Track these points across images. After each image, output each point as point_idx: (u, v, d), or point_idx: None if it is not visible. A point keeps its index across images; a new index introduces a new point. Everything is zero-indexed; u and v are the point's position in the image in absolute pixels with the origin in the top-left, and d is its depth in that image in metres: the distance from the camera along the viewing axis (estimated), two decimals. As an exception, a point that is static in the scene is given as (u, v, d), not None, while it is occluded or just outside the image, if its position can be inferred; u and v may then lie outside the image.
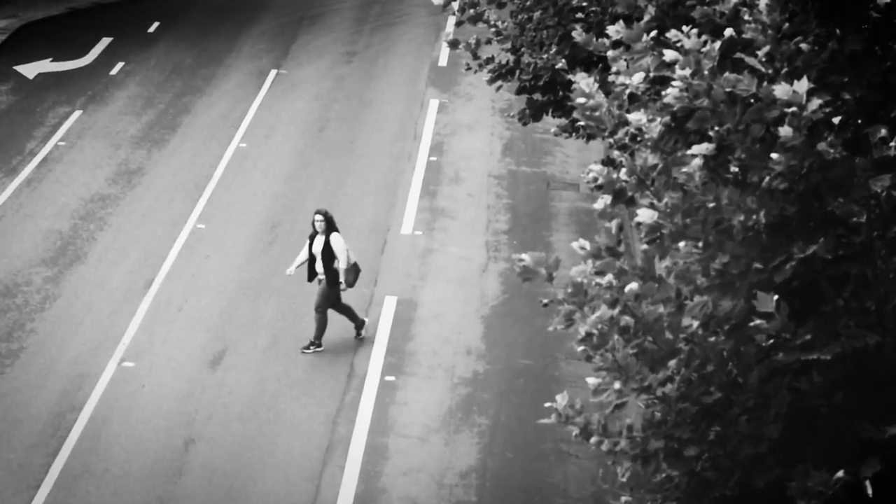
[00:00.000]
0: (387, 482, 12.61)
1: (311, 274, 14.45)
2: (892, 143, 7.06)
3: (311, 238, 14.43)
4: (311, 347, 14.56)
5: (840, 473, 6.81)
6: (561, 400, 7.42)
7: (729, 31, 7.44)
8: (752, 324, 6.93)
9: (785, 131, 6.86)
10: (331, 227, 14.32)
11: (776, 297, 6.82)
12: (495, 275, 16.72)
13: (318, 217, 14.28)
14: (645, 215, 7.26)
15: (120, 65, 24.02)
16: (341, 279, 14.27)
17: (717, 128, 7.16)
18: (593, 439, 7.48)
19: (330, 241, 14.22)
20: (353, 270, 14.38)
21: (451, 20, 24.71)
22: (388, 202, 18.60)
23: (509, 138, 21.02)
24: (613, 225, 15.98)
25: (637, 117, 7.31)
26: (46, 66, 23.88)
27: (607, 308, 7.05)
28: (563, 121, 16.69)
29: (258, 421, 13.56)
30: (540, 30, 15.30)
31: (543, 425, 13.29)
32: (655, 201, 7.28)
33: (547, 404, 7.49)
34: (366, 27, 26.28)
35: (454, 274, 16.69)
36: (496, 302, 16.06)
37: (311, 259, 14.39)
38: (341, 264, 14.23)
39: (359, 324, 14.83)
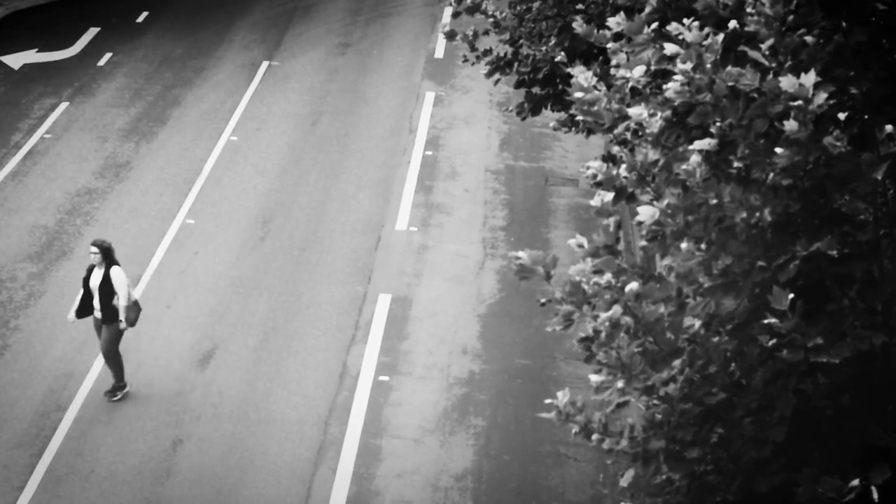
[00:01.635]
0: (380, 485, 12.40)
1: (84, 310, 13.22)
2: (898, 139, 6.92)
3: (89, 271, 13.23)
4: (118, 393, 13.50)
5: (855, 482, 6.69)
6: (562, 397, 7.35)
7: (732, 24, 7.26)
8: (764, 321, 6.82)
9: (789, 125, 6.75)
10: (109, 259, 13.06)
11: (791, 295, 6.69)
12: (492, 272, 16.47)
13: (94, 249, 13.02)
14: (645, 214, 7.15)
15: (108, 55, 23.70)
16: (121, 317, 13.15)
17: (719, 123, 7.04)
18: (594, 437, 7.40)
19: (110, 276, 13.02)
20: (135, 308, 13.27)
21: (448, 11, 24.48)
22: (383, 197, 18.35)
23: (507, 132, 20.76)
24: (611, 222, 15.74)
25: (638, 112, 7.17)
26: (32, 56, 23.55)
27: (617, 308, 6.95)
28: (563, 115, 16.47)
29: (248, 421, 13.33)
30: (539, 21, 15.08)
31: (541, 428, 13.08)
32: (656, 199, 7.16)
33: (547, 401, 7.34)
34: (360, 18, 25.99)
35: (450, 271, 16.45)
36: (493, 300, 15.81)
37: (88, 294, 13.16)
38: (121, 301, 13.03)
39: (120, 381, 13.44)
